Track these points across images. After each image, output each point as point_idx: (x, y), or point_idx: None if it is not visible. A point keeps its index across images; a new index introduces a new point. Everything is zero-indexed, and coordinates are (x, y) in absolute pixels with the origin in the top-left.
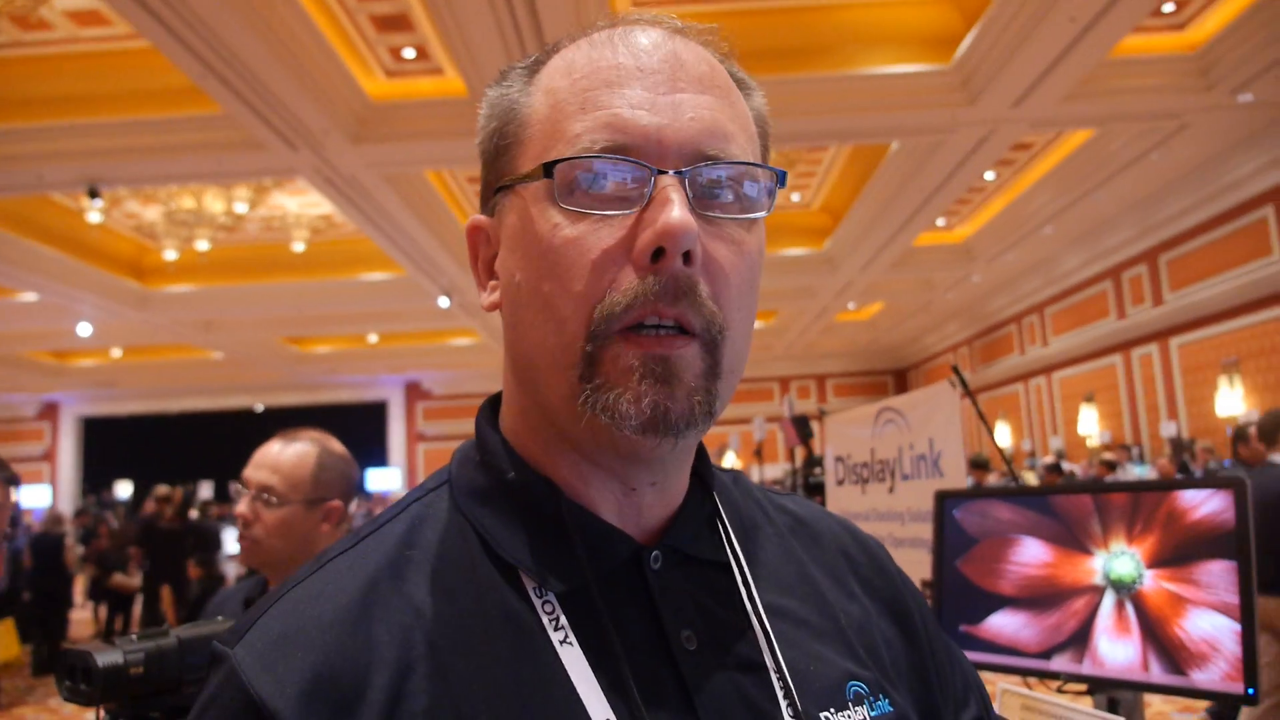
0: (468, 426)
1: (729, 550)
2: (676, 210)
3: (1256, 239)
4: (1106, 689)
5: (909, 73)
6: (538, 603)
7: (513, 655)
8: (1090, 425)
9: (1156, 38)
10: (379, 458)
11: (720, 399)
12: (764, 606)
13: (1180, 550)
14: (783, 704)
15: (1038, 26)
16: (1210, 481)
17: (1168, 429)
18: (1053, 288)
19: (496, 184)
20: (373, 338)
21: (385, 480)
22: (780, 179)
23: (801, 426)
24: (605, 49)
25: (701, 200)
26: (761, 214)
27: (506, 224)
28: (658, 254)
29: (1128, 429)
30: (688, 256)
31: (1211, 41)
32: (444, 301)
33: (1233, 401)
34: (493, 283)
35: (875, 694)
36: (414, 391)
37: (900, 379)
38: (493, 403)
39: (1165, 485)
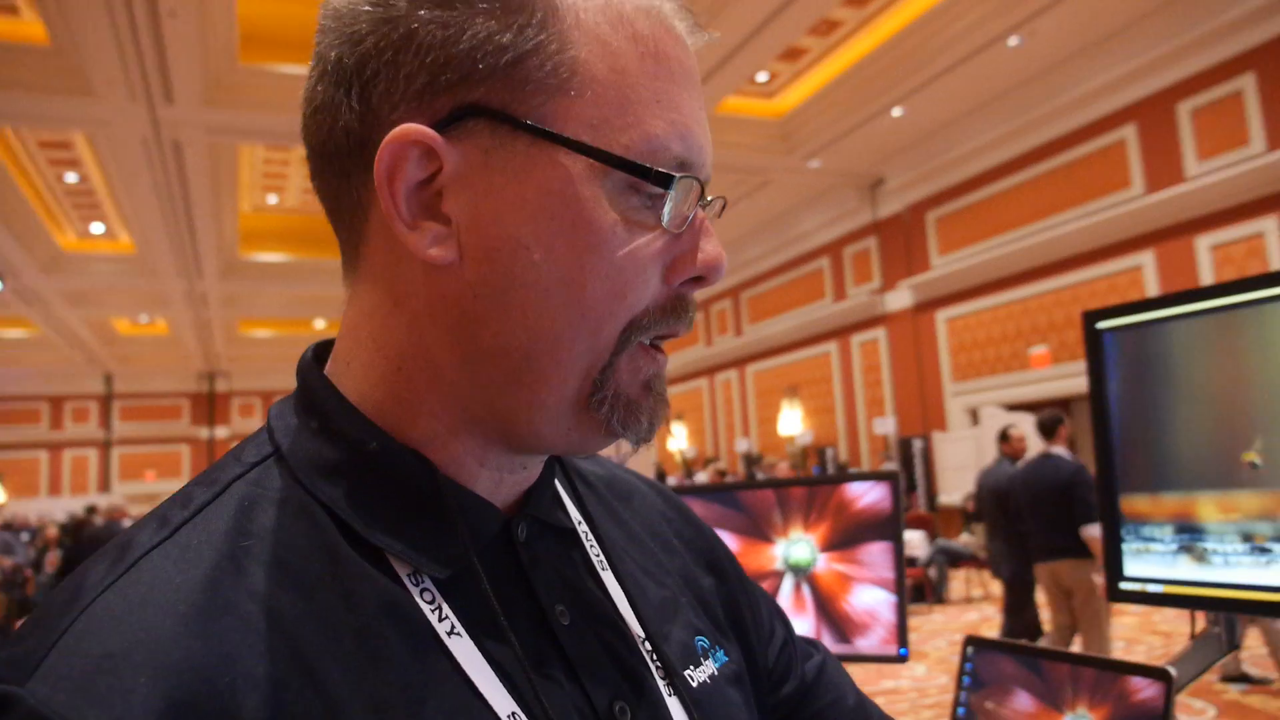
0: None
1: (580, 517)
2: (715, 244)
3: (815, 285)
4: None
5: None
6: (414, 591)
7: (396, 655)
8: (681, 441)
9: (752, 101)
10: None
11: None
12: (614, 572)
13: (847, 535)
14: (654, 670)
15: None
16: (873, 475)
17: (740, 444)
18: None
19: (493, 112)
20: None
21: None
22: (723, 207)
23: None
24: (663, 30)
25: None
26: None
27: (518, 177)
28: (693, 279)
29: (709, 445)
30: None
31: (793, 112)
32: None
33: (792, 422)
34: (437, 228)
35: (714, 646)
36: None
37: None
38: (316, 359)
39: (837, 479)
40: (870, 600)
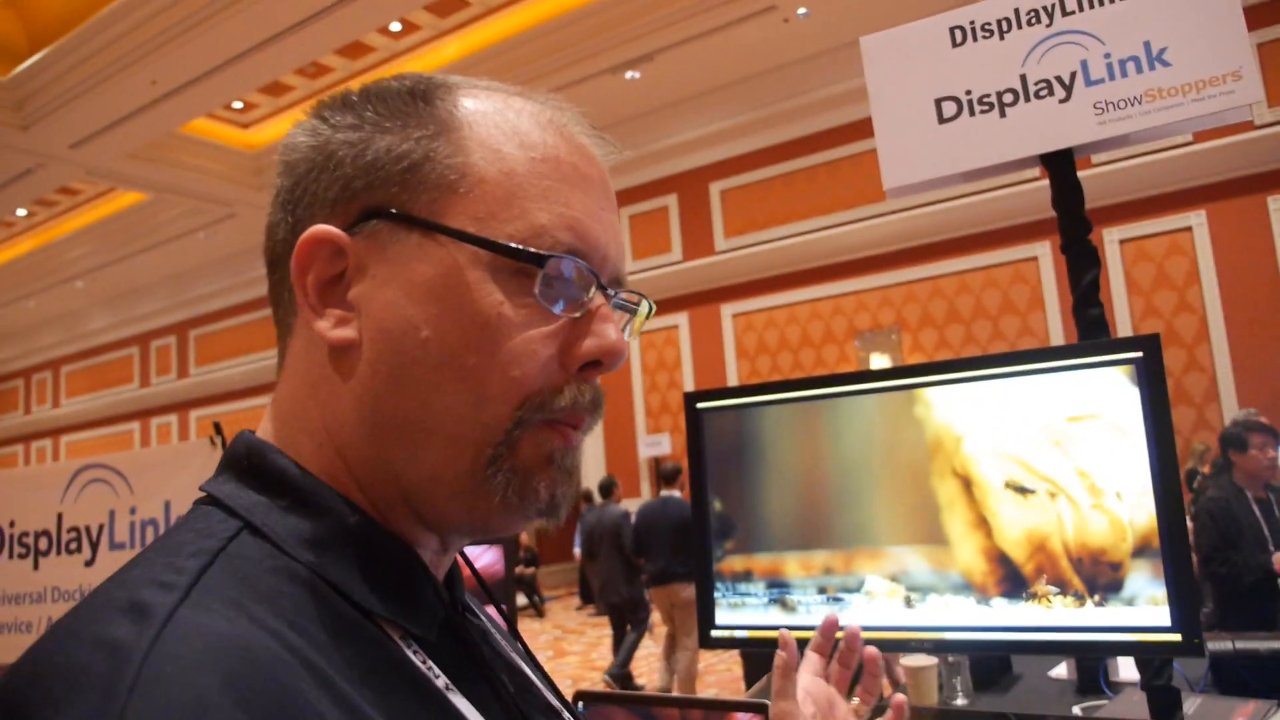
0: None
1: (474, 602)
2: (615, 330)
3: (272, 330)
4: None
5: None
6: (407, 651)
7: (418, 706)
8: None
9: (223, 128)
10: None
11: None
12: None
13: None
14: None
15: (117, 76)
16: (487, 540)
17: None
18: (73, 345)
19: (388, 212)
20: None
21: None
22: (650, 310)
23: None
24: (554, 136)
25: None
26: (628, 340)
27: (409, 266)
28: (591, 364)
29: None
30: None
31: (269, 147)
32: None
33: None
34: (341, 312)
35: None
36: None
37: None
38: (257, 446)
39: None
40: None
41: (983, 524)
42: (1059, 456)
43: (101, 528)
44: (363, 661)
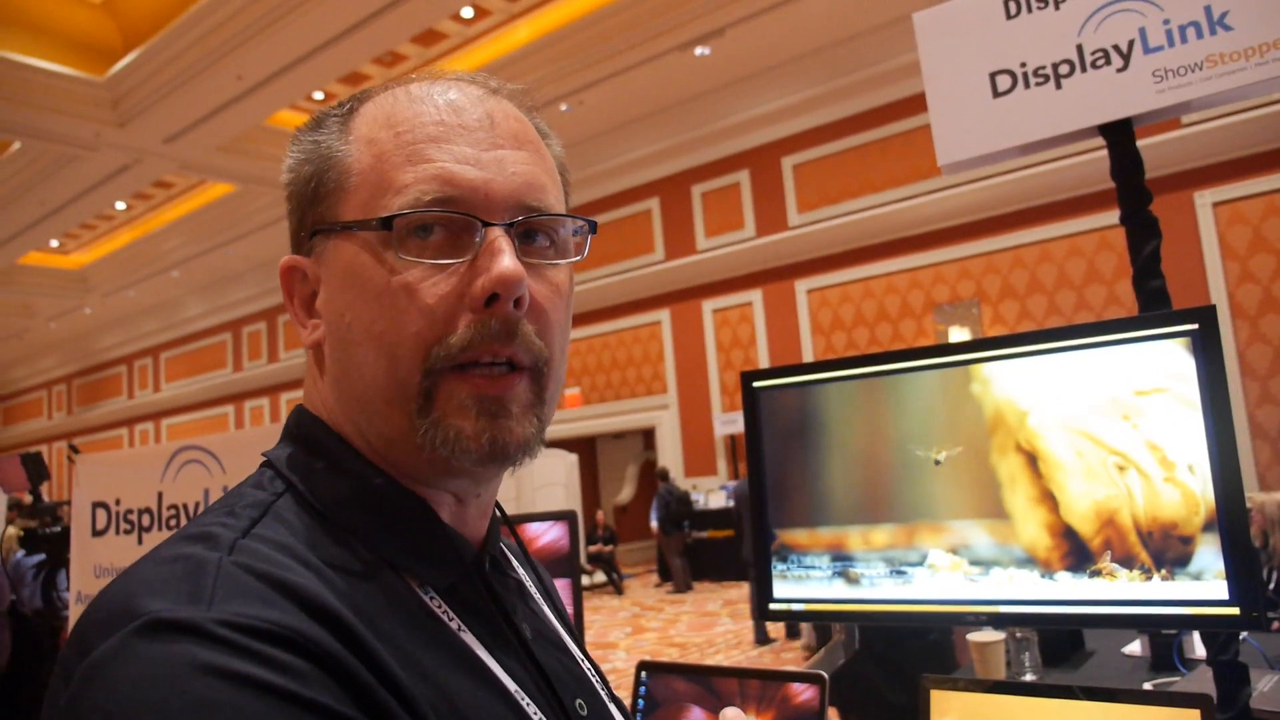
0: None
1: (518, 563)
2: (508, 260)
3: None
4: None
5: (52, 71)
6: (423, 596)
7: (434, 639)
8: None
9: (306, 119)
10: None
11: (547, 423)
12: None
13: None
14: (595, 682)
15: (205, 72)
16: (551, 516)
17: None
18: (171, 332)
19: (315, 227)
20: None
21: None
22: (592, 227)
23: (34, 465)
24: (425, 104)
25: (524, 248)
26: (576, 258)
27: (331, 266)
28: (491, 299)
29: None
30: (517, 301)
31: None
32: None
33: None
34: (314, 321)
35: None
36: None
37: None
38: (305, 417)
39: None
40: None
41: (1048, 498)
42: (1128, 430)
43: (197, 505)
44: (384, 600)
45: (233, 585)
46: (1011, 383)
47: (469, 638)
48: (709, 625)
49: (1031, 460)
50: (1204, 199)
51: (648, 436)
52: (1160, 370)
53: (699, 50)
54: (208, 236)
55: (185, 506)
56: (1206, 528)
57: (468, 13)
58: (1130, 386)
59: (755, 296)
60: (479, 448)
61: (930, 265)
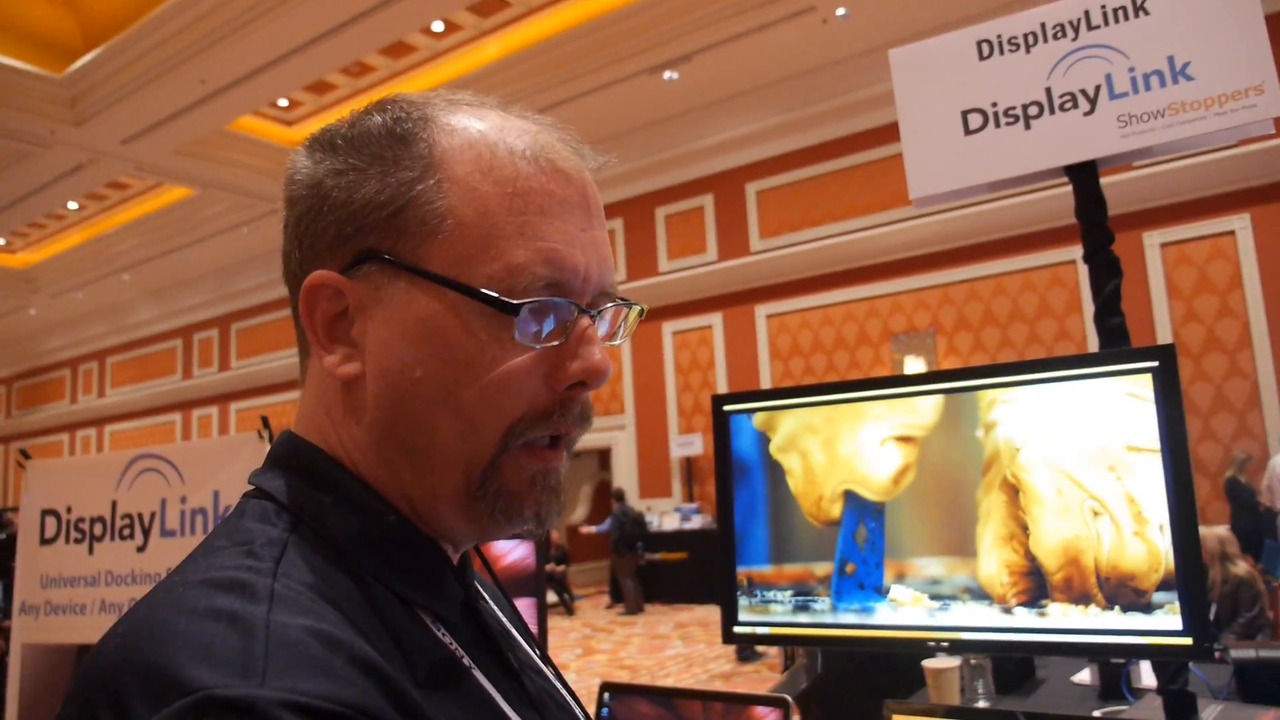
0: None
1: (486, 592)
2: (599, 351)
3: None
4: None
5: (7, 65)
6: (438, 633)
7: (456, 681)
8: None
9: (269, 125)
10: None
11: None
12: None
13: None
14: (574, 706)
15: (167, 74)
16: (518, 535)
17: None
18: (119, 336)
19: (377, 253)
20: None
21: None
22: (641, 313)
23: None
24: (527, 163)
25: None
26: (619, 343)
27: (397, 308)
28: (577, 384)
29: None
30: None
31: None
32: None
33: None
34: (346, 349)
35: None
36: None
37: None
38: (304, 447)
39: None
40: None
41: (1019, 533)
42: (1112, 480)
43: (154, 515)
44: (406, 641)
45: (284, 651)
46: (1014, 421)
47: (479, 675)
48: (660, 648)
49: (1014, 493)
50: (1153, 239)
51: (603, 457)
52: (1156, 432)
53: (667, 74)
54: (162, 240)
55: (140, 516)
56: (1163, 586)
57: (438, 26)
58: (1125, 441)
59: (715, 320)
60: (535, 517)
61: (888, 295)
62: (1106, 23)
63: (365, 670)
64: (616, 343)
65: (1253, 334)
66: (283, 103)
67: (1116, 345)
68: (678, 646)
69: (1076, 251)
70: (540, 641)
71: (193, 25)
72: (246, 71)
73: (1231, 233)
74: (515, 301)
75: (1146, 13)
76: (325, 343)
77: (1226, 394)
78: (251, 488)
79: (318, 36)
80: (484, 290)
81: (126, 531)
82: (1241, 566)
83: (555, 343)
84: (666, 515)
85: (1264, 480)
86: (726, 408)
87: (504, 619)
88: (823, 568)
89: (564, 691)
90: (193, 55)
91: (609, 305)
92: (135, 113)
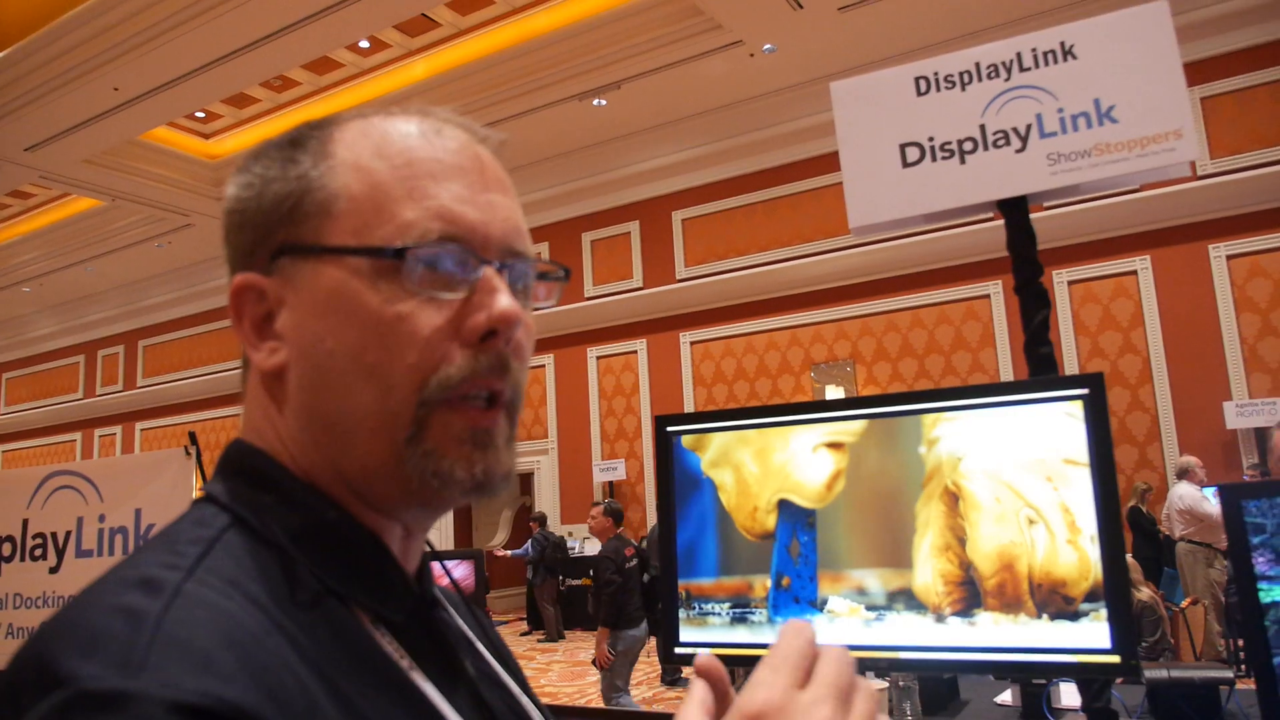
0: None
1: (450, 603)
2: (506, 298)
3: (225, 343)
4: None
5: None
6: (376, 634)
7: (387, 683)
8: None
9: (185, 137)
10: None
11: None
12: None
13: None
14: (534, 715)
15: (78, 80)
16: (458, 555)
17: None
18: (16, 351)
19: (285, 247)
20: None
21: None
22: (566, 275)
23: None
24: (416, 139)
25: (510, 288)
26: (547, 304)
27: (308, 289)
28: (487, 335)
29: None
30: (507, 338)
31: (230, 158)
32: None
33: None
34: (270, 343)
35: None
36: None
37: None
38: (247, 450)
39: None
40: None
41: (956, 545)
42: (1049, 489)
43: (69, 534)
44: (335, 639)
45: (169, 647)
46: (956, 437)
47: (419, 677)
48: (580, 675)
49: (954, 501)
50: (1061, 277)
51: (525, 481)
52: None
53: (597, 101)
54: (68, 252)
55: (54, 536)
56: (1090, 596)
57: (365, 44)
58: (1061, 454)
59: (640, 346)
60: (470, 478)
61: (809, 324)
62: (1037, 65)
63: (261, 668)
64: (541, 307)
65: (1153, 369)
66: (200, 115)
67: (1045, 373)
68: (598, 674)
69: (992, 286)
70: (509, 659)
71: (108, 31)
72: (163, 81)
73: (1134, 272)
74: (400, 245)
75: (1075, 57)
76: (255, 342)
77: (1129, 427)
78: (201, 495)
79: (240, 48)
80: (374, 245)
81: (39, 551)
82: (1144, 592)
83: (459, 294)
84: (589, 540)
85: (1164, 510)
86: (670, 429)
87: (466, 628)
88: (760, 581)
89: (533, 708)
90: (107, 62)
91: (519, 263)
92: (43, 119)
